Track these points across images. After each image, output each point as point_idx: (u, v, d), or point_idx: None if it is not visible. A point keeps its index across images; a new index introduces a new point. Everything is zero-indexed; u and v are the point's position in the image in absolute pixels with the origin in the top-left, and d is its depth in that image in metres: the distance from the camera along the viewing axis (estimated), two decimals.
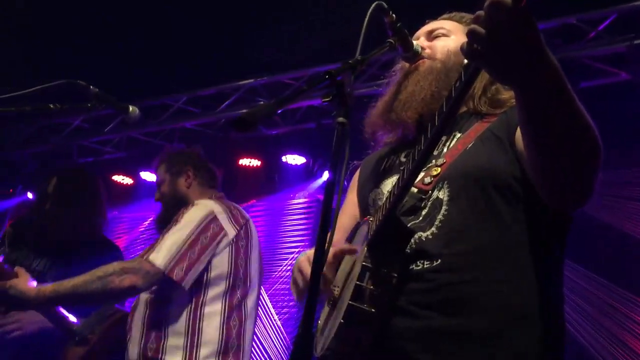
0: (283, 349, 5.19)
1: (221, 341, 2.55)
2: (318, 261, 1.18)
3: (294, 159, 5.54)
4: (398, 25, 1.59)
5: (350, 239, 1.61)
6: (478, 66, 1.16)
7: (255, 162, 5.60)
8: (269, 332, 5.22)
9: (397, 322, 1.40)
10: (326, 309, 1.54)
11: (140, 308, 2.62)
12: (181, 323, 2.53)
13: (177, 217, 2.63)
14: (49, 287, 2.40)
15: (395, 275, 1.39)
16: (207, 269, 2.56)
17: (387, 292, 1.38)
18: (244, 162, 5.58)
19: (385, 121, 1.70)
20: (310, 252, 1.62)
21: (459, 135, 1.58)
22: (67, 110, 2.30)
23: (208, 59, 4.97)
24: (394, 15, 1.57)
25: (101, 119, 5.77)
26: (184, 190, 2.86)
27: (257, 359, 5.07)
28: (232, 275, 2.63)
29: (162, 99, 5.52)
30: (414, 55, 1.66)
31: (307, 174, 5.63)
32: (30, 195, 6.52)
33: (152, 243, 2.58)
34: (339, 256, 1.51)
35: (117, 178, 5.89)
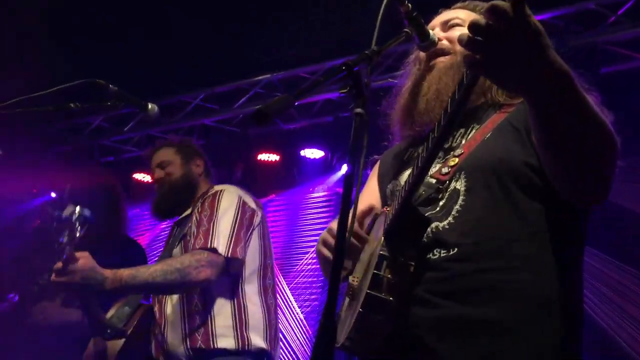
0: (306, 342, 5.22)
1: (265, 318, 2.59)
2: (339, 252, 1.19)
3: (312, 153, 5.55)
4: (414, 14, 1.57)
5: (368, 230, 1.61)
6: (478, 75, 1.15)
7: (274, 157, 5.61)
8: (292, 325, 5.25)
9: (415, 311, 1.40)
10: (346, 300, 1.55)
11: (172, 296, 2.59)
12: (226, 303, 2.54)
13: (210, 204, 2.62)
14: (125, 271, 2.33)
15: (412, 264, 1.39)
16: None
17: (405, 281, 1.38)
18: (263, 157, 5.60)
19: (411, 120, 1.68)
20: (334, 225, 1.62)
21: (477, 126, 1.57)
22: (87, 110, 2.33)
23: (209, 59, 5.01)
24: (409, 4, 1.56)
25: (121, 117, 5.83)
26: (195, 177, 2.86)
27: (280, 352, 5.10)
28: (262, 253, 2.69)
29: (180, 96, 5.56)
30: (431, 45, 1.64)
31: (325, 167, 5.63)
32: (53, 194, 6.61)
33: (200, 230, 2.55)
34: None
35: (138, 176, 5.95)
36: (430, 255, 1.43)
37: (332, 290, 1.16)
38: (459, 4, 1.77)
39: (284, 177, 5.75)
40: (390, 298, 1.35)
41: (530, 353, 1.34)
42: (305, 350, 5.17)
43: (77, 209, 2.28)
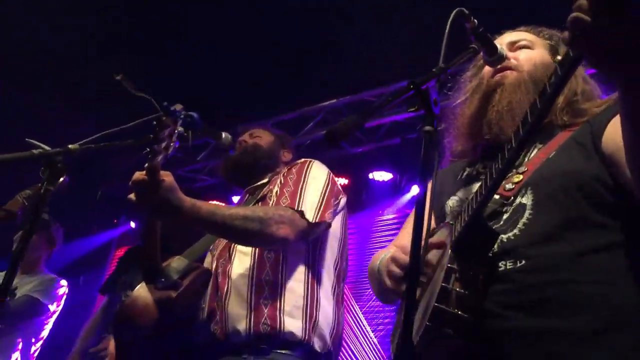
0: None
1: (335, 313, 2.32)
2: (413, 274, 1.18)
3: (381, 176, 5.55)
4: (480, 30, 1.56)
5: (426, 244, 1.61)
6: (581, 54, 1.12)
7: (343, 181, 5.64)
8: (365, 349, 5.19)
9: (484, 323, 1.37)
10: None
11: (242, 260, 2.30)
12: (300, 281, 2.27)
13: (298, 170, 2.42)
14: (204, 204, 2.06)
15: (481, 276, 1.38)
16: None
17: (474, 294, 1.36)
18: None
19: (478, 131, 1.67)
20: (397, 254, 1.59)
21: (540, 145, 1.57)
22: None
23: (274, 87, 5.11)
24: (475, 20, 1.55)
25: (194, 148, 6.03)
26: (279, 157, 2.73)
27: None
28: (342, 241, 2.46)
29: (247, 124, 5.69)
30: (500, 59, 1.63)
31: (394, 189, 5.61)
32: (133, 224, 6.89)
33: (285, 190, 2.34)
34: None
35: None
36: (498, 267, 1.41)
37: (408, 315, 1.15)
38: (522, 27, 1.77)
39: (353, 201, 5.74)
40: (459, 312, 1.33)
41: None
42: None
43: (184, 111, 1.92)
